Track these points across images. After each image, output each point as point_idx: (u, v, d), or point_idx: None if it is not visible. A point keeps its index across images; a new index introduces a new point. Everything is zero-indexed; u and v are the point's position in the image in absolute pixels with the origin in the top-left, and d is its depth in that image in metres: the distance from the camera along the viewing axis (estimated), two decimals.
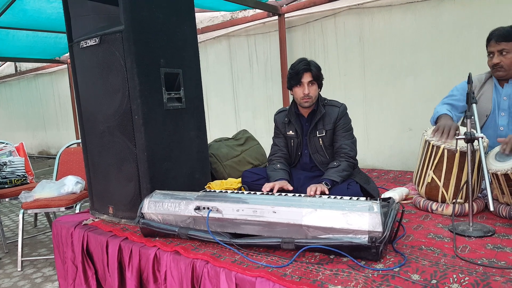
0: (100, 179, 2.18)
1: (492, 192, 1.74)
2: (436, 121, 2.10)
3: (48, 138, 8.84)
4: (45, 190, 2.89)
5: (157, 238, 1.77)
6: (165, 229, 1.72)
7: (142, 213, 1.78)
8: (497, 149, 1.83)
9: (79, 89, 2.19)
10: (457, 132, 1.84)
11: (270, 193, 1.93)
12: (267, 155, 2.45)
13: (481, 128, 2.13)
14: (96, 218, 2.19)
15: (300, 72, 2.04)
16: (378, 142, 3.81)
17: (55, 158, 3.42)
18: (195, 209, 1.66)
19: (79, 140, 2.72)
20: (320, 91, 2.16)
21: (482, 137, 1.55)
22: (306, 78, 2.05)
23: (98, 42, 1.98)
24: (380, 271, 1.31)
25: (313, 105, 2.14)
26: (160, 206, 1.74)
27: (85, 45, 2.05)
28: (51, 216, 3.64)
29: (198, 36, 4.03)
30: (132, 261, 1.75)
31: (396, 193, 2.10)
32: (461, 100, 2.15)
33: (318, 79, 2.08)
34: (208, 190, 2.09)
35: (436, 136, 1.88)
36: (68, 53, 2.19)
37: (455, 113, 2.12)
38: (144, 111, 1.94)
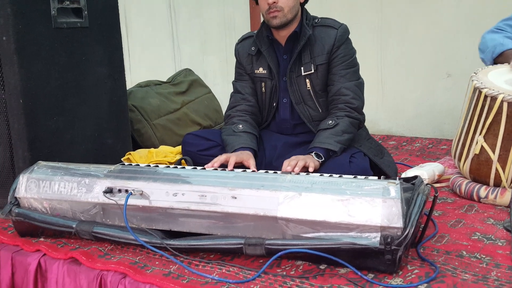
0: None
1: None
2: (497, 58, 2.15)
3: None
4: None
5: (41, 239, 1.77)
6: (56, 223, 1.72)
7: (16, 198, 1.77)
8: None
9: None
10: None
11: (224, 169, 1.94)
12: (224, 110, 2.44)
13: None
14: None
15: None
16: (398, 94, 3.87)
17: None
18: (106, 192, 1.65)
19: None
20: (303, 1, 2.17)
21: None
22: None
23: None
24: None
25: (290, 24, 2.13)
26: (46, 187, 1.73)
27: None
28: None
29: None
30: (0, 275, 1.74)
31: (424, 171, 2.15)
32: None
33: None
34: (127, 163, 2.11)
35: None
36: None
37: None
38: (17, 30, 1.90)
